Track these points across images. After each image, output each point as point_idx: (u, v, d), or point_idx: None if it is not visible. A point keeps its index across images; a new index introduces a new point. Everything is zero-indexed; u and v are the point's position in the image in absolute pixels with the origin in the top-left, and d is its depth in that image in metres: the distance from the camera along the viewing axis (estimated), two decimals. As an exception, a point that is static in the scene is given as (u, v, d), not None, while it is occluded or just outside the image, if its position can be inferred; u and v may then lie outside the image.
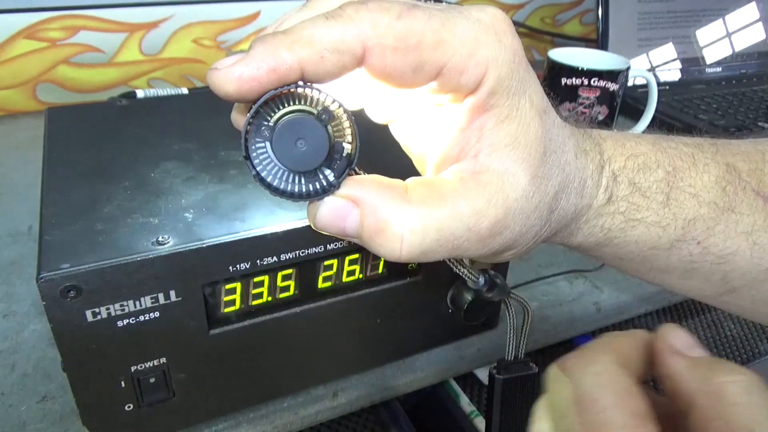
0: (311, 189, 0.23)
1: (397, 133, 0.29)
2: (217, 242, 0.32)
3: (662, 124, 0.82)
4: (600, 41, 0.90)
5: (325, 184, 0.23)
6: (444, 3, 0.26)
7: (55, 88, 0.81)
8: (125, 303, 0.31)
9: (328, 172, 0.23)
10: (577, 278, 0.55)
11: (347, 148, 0.23)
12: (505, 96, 0.24)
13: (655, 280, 0.32)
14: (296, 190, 0.23)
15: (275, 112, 0.22)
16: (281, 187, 0.23)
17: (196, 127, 0.45)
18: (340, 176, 0.23)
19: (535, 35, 1.12)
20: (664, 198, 0.29)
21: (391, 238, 0.23)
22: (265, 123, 0.22)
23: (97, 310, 0.30)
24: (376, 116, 0.28)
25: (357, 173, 0.24)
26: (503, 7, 1.08)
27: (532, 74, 0.25)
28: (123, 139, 0.43)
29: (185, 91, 0.71)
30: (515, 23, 1.08)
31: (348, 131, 0.22)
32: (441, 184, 0.24)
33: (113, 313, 0.31)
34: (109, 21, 0.80)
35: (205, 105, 0.51)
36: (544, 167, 0.25)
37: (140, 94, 0.69)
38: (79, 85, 0.83)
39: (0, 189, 0.62)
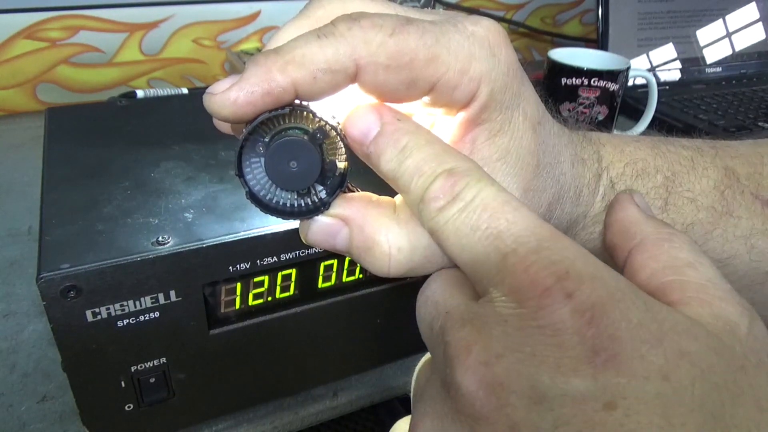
0: (303, 207, 0.23)
1: None
2: (217, 242, 0.32)
3: (662, 124, 0.81)
4: (600, 41, 0.90)
5: (316, 200, 0.23)
6: (441, 8, 0.26)
7: (55, 88, 0.81)
8: (125, 303, 0.31)
9: (320, 188, 0.23)
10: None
11: (341, 166, 0.23)
12: (498, 110, 0.23)
13: None
14: (287, 209, 0.23)
15: (270, 130, 0.22)
16: (272, 205, 0.23)
17: (196, 127, 0.45)
18: (332, 194, 0.23)
19: (535, 35, 1.12)
20: (662, 203, 0.29)
21: (379, 256, 0.23)
22: (260, 141, 0.22)
23: (97, 310, 0.30)
24: None
25: (350, 190, 0.24)
26: (503, 7, 1.08)
27: (527, 86, 0.25)
28: (123, 139, 0.43)
29: (185, 91, 0.71)
30: (515, 23, 1.08)
31: (342, 150, 0.23)
32: None
33: (113, 313, 0.31)
34: (109, 21, 0.80)
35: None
36: (537, 180, 0.25)
37: (140, 94, 0.69)
38: (79, 85, 0.83)
39: (0, 189, 0.62)
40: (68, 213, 0.33)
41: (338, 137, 0.22)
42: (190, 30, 0.85)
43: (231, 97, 0.21)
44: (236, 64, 0.83)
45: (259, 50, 0.86)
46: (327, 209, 0.23)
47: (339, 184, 0.23)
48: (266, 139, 0.22)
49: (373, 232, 0.23)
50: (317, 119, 0.22)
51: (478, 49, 0.22)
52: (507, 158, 0.24)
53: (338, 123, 0.23)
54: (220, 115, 0.21)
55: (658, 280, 0.21)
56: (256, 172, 0.22)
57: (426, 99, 0.23)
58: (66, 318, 0.30)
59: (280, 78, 0.20)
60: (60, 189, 0.36)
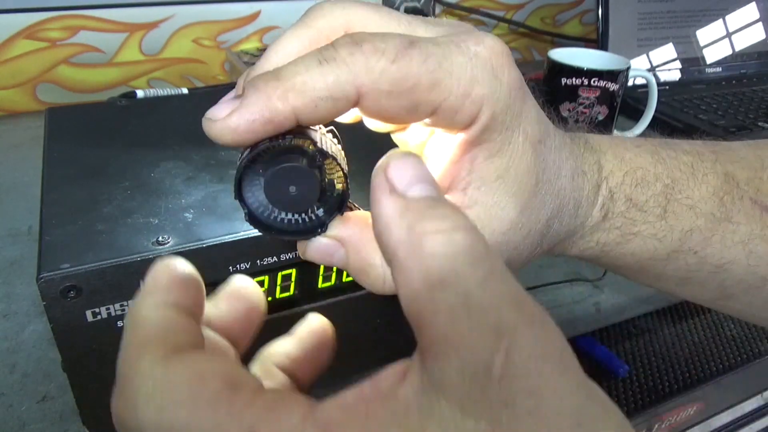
0: (300, 225, 0.23)
1: (396, 139, 0.29)
2: (217, 242, 0.32)
3: (662, 124, 0.81)
4: (600, 41, 0.90)
5: (314, 218, 0.23)
6: (441, 8, 0.26)
7: (55, 88, 0.81)
8: (125, 303, 0.31)
9: (317, 205, 0.23)
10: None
11: (338, 188, 0.23)
12: (498, 131, 0.23)
13: (653, 286, 0.33)
14: (285, 227, 0.23)
15: (270, 151, 0.22)
16: (270, 222, 0.23)
17: (196, 127, 0.45)
18: (330, 214, 0.23)
19: (535, 35, 1.12)
20: (661, 211, 0.29)
21: (374, 277, 0.23)
22: (260, 163, 0.22)
23: (97, 310, 0.30)
24: (374, 127, 0.29)
25: (350, 208, 0.24)
26: (503, 7, 1.08)
27: (529, 105, 0.24)
28: (123, 139, 0.43)
29: (185, 91, 0.71)
30: (515, 23, 1.08)
31: (341, 173, 0.23)
32: None
33: (113, 313, 0.31)
34: (109, 21, 0.80)
35: (205, 105, 0.51)
36: (536, 198, 0.25)
37: (140, 94, 0.69)
38: (79, 85, 0.82)
39: (0, 189, 0.62)
40: (68, 213, 0.33)
41: (335, 163, 0.22)
42: (190, 30, 0.85)
43: (231, 125, 0.21)
44: (236, 64, 0.83)
45: (259, 50, 0.86)
46: (324, 231, 0.23)
47: (337, 207, 0.23)
48: (266, 162, 0.22)
49: (368, 255, 0.23)
50: (317, 143, 0.22)
51: (481, 71, 0.22)
52: (506, 178, 0.24)
53: (338, 142, 0.23)
54: (221, 142, 0.21)
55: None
56: (255, 189, 0.23)
57: (427, 121, 0.23)
58: (66, 318, 0.30)
59: (280, 106, 0.20)
60: (60, 189, 0.36)
